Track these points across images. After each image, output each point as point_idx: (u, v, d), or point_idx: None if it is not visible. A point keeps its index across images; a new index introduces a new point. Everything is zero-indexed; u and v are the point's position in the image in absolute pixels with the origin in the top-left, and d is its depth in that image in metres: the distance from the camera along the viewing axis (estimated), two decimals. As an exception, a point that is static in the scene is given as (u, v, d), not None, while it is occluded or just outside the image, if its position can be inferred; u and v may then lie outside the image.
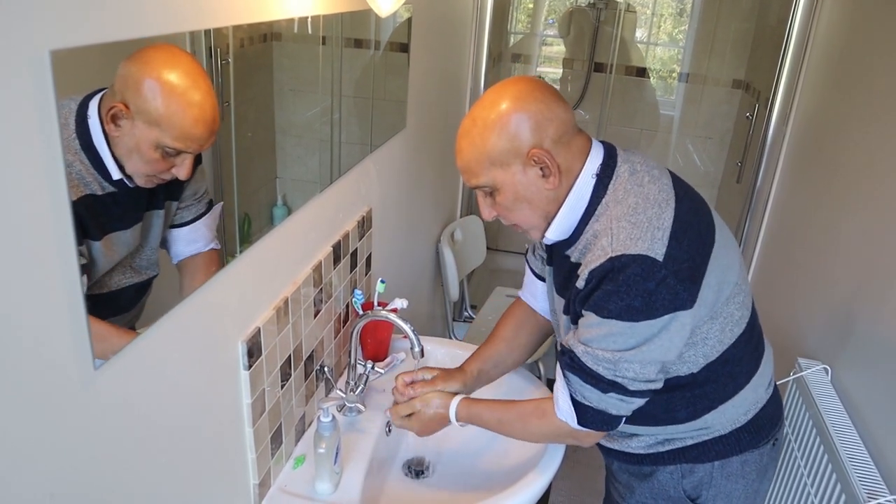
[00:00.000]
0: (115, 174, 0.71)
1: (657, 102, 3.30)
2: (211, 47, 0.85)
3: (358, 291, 1.44)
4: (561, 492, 2.31)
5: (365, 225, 1.52)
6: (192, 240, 0.88)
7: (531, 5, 3.35)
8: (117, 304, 0.76)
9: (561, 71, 3.38)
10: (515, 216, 1.06)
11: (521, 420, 1.13)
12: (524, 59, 3.39)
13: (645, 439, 1.16)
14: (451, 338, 2.63)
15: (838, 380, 1.55)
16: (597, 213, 1.00)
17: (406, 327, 1.25)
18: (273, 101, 1.11)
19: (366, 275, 1.57)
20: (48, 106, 0.59)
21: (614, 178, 1.01)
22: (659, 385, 1.01)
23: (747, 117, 2.53)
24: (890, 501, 1.19)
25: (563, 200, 1.02)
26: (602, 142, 1.07)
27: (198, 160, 0.85)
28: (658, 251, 0.93)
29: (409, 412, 1.23)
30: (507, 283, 2.93)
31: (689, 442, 1.14)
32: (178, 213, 0.86)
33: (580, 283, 0.99)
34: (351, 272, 1.46)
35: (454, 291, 2.43)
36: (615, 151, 1.04)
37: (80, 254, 0.67)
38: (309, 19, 1.14)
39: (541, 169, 0.99)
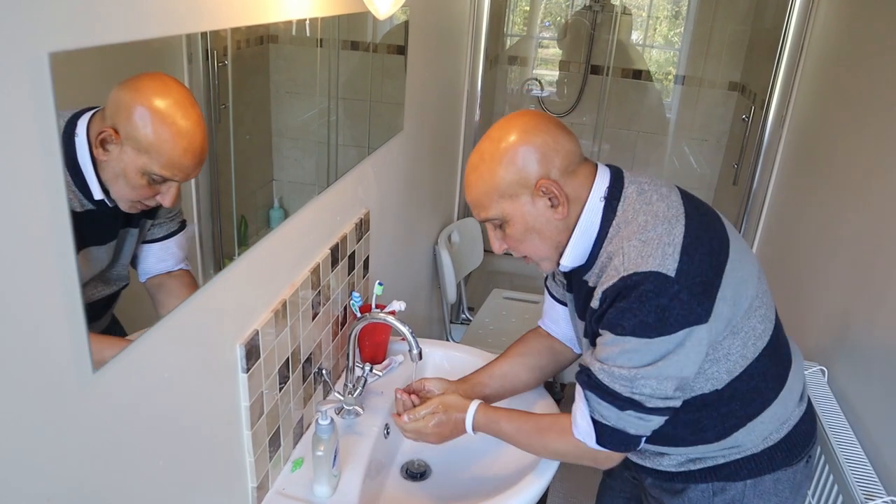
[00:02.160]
0: (98, 195, 0.72)
1: (654, 105, 3.31)
2: (208, 50, 0.85)
3: (356, 294, 1.44)
4: (558, 494, 2.31)
5: (363, 227, 1.52)
6: (161, 258, 0.88)
7: (527, 8, 3.36)
8: (88, 317, 0.76)
9: (558, 73, 3.39)
10: (526, 247, 1.08)
11: (539, 434, 1.11)
12: (521, 62, 3.40)
13: (675, 458, 1.15)
14: (448, 340, 2.62)
15: (835, 381, 1.55)
16: (609, 235, 1.01)
17: (404, 329, 1.25)
18: (270, 104, 1.11)
19: (363, 277, 1.57)
20: (47, 109, 0.59)
21: (622, 199, 1.02)
22: (677, 403, 1.00)
23: (743, 119, 2.54)
24: (887, 502, 1.19)
25: (574, 228, 1.03)
26: (609, 165, 1.08)
27: None
28: (669, 267, 0.94)
29: (428, 413, 1.19)
30: (504, 285, 2.93)
31: (721, 461, 1.12)
32: (151, 228, 0.86)
33: (595, 304, 1.00)
34: (349, 275, 1.46)
35: (451, 294, 2.43)
36: (622, 173, 1.05)
37: None
38: (307, 22, 1.14)
39: (549, 199, 1.01)
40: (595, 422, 1.01)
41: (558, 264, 1.08)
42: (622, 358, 0.96)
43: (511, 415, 1.15)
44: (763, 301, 1.07)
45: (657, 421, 1.01)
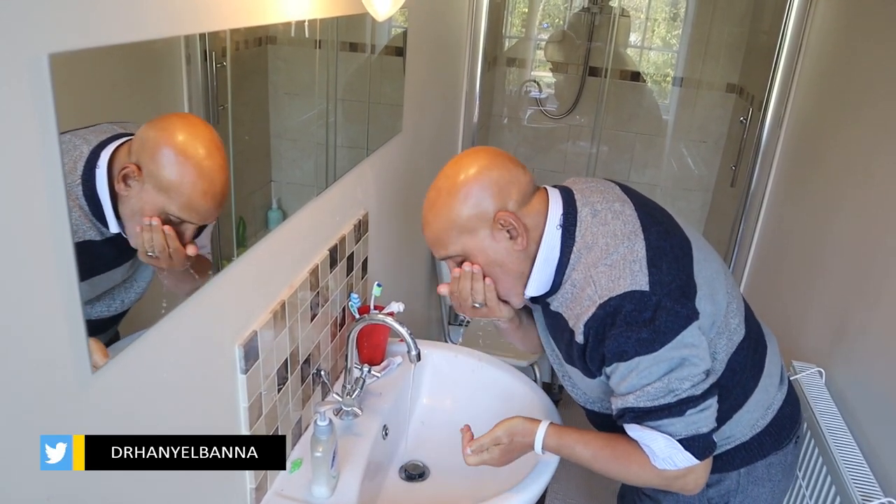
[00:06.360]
0: (114, 229, 0.72)
1: (652, 107, 3.31)
2: (206, 51, 0.86)
3: (354, 295, 1.44)
4: (557, 495, 2.31)
5: (361, 228, 1.52)
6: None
7: (526, 10, 3.36)
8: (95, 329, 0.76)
9: (550, 75, 3.39)
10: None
11: (616, 461, 1.07)
12: (519, 64, 3.40)
13: None
14: (447, 341, 2.62)
15: (833, 382, 1.55)
16: (571, 262, 1.01)
17: (402, 331, 1.25)
18: (268, 105, 1.11)
19: (362, 278, 1.57)
20: (47, 110, 0.59)
21: (578, 223, 1.02)
22: (714, 379, 1.00)
23: (741, 121, 2.54)
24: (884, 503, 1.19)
25: (535, 257, 1.03)
26: (557, 187, 1.08)
27: None
28: (641, 282, 0.95)
29: (492, 443, 1.13)
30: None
31: (714, 452, 1.11)
32: None
33: (579, 339, 1.00)
34: (347, 276, 1.46)
35: (450, 295, 2.43)
36: (573, 197, 1.05)
37: None
38: (305, 23, 1.14)
39: (508, 231, 1.01)
40: (670, 441, 0.99)
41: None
42: (644, 377, 0.96)
43: (585, 438, 1.11)
44: (733, 295, 1.09)
45: (713, 403, 1.00)
